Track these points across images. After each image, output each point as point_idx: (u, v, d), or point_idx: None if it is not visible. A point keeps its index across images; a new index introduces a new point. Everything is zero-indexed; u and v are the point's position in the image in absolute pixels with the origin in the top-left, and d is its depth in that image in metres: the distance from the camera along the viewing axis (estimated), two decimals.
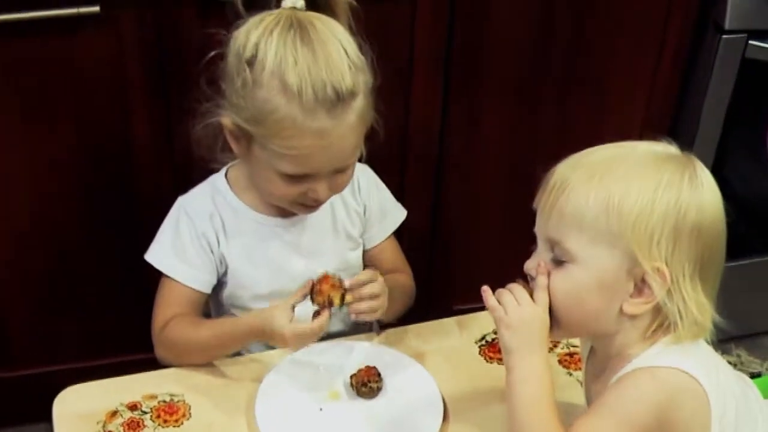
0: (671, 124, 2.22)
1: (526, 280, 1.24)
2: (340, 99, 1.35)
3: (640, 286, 1.16)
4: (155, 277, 1.58)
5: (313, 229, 1.54)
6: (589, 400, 1.31)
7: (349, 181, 1.48)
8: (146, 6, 1.78)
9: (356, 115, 1.38)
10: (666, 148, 1.20)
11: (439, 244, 2.29)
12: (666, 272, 1.14)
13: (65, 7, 1.72)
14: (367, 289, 1.44)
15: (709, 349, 1.23)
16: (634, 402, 1.15)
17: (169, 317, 1.53)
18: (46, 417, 1.46)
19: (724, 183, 2.30)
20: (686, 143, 2.17)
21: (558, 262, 1.19)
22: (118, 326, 2.16)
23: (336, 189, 1.46)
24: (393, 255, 1.63)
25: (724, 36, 2.04)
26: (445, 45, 2.00)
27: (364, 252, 1.67)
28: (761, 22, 2.03)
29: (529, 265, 1.23)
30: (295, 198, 1.45)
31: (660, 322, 1.18)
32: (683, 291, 1.15)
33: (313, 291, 1.42)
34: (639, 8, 2.05)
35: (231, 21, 1.41)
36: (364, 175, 1.62)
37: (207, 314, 1.70)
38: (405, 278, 1.62)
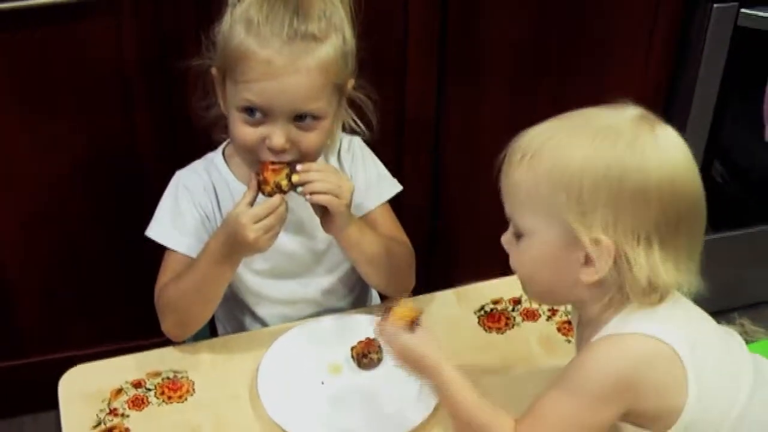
0: (667, 94, 2.23)
1: None
2: (298, 35, 1.38)
3: (590, 255, 1.16)
4: (161, 259, 1.60)
5: (302, 207, 1.54)
6: None
7: (316, 144, 1.47)
8: None
9: (317, 60, 1.40)
10: (618, 113, 1.19)
11: (439, 223, 2.31)
12: (606, 242, 1.13)
13: None
14: (318, 174, 1.44)
15: (684, 305, 1.23)
16: (592, 372, 1.17)
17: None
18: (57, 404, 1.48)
19: (722, 152, 2.34)
20: (682, 113, 2.20)
21: (518, 236, 1.22)
22: (126, 312, 2.18)
23: (300, 145, 1.45)
24: (386, 226, 1.62)
25: (716, 5, 2.05)
26: (439, 22, 2.01)
27: None
28: None
29: (503, 239, 1.26)
30: (255, 144, 1.44)
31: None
32: (632, 260, 1.14)
33: (260, 185, 1.43)
34: None
35: None
36: (351, 147, 1.64)
37: None
38: (397, 245, 1.61)
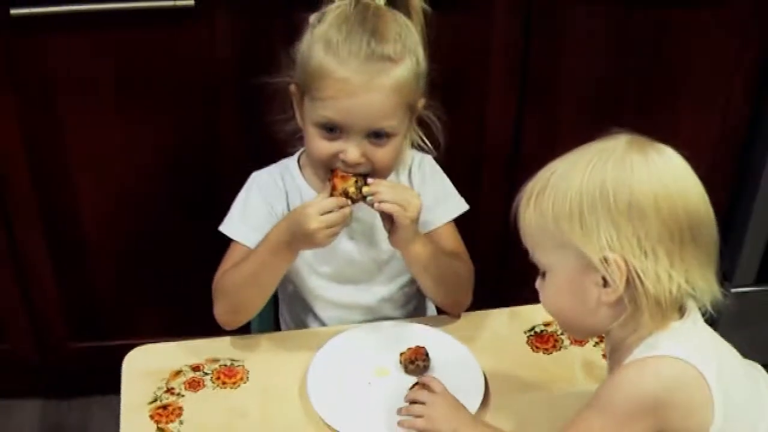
0: (747, 135, 2.24)
1: None
2: (374, 56, 1.46)
3: (605, 276, 1.21)
4: None
5: (367, 216, 1.61)
6: None
7: (388, 159, 1.54)
8: (239, 1, 1.88)
9: (392, 80, 1.47)
10: (612, 140, 1.25)
11: (512, 248, 2.34)
12: (614, 257, 1.18)
13: None
14: (387, 186, 1.52)
15: (709, 333, 1.27)
16: (623, 393, 1.21)
17: None
18: None
19: None
20: (759, 157, 2.20)
21: (543, 275, 1.29)
22: (197, 307, 2.26)
23: (373, 160, 1.51)
24: (449, 243, 1.67)
25: None
26: (521, 52, 2.06)
27: None
28: None
29: (536, 285, 1.32)
30: (330, 158, 1.51)
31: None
32: (642, 274, 1.18)
33: (331, 190, 1.50)
34: (716, 24, 2.08)
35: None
36: (422, 165, 1.70)
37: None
38: (459, 263, 1.66)
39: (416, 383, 1.48)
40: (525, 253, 2.32)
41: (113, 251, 2.21)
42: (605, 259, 1.19)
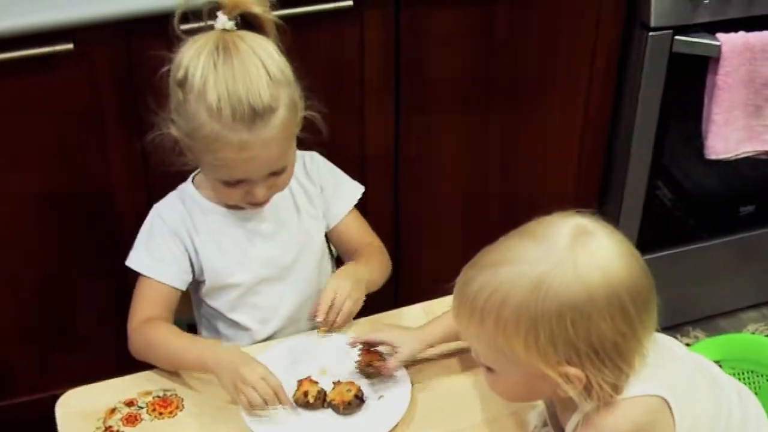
0: (611, 119, 2.36)
1: None
2: (257, 115, 1.49)
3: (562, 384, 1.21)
4: None
5: (274, 216, 1.68)
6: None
7: (288, 179, 1.62)
8: (117, 40, 1.89)
9: (278, 127, 1.52)
10: (551, 244, 1.20)
11: (402, 245, 2.40)
12: (574, 372, 1.19)
13: (41, 46, 1.83)
14: (343, 318, 1.61)
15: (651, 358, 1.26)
16: None
17: (145, 315, 1.65)
18: None
19: (665, 173, 2.46)
20: (626, 139, 2.33)
21: (488, 368, 1.28)
22: (106, 349, 2.24)
23: (276, 189, 1.61)
24: (359, 230, 1.76)
25: (651, 33, 2.19)
26: (393, 59, 2.13)
27: (331, 232, 1.79)
28: (684, 18, 2.18)
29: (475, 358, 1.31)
30: (239, 200, 1.61)
31: None
32: (599, 373, 1.19)
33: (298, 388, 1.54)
34: (572, 13, 2.19)
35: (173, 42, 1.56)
36: (314, 160, 1.77)
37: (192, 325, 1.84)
38: (378, 255, 1.76)
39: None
40: (415, 250, 2.40)
41: (12, 308, 2.16)
42: (564, 374, 1.19)
